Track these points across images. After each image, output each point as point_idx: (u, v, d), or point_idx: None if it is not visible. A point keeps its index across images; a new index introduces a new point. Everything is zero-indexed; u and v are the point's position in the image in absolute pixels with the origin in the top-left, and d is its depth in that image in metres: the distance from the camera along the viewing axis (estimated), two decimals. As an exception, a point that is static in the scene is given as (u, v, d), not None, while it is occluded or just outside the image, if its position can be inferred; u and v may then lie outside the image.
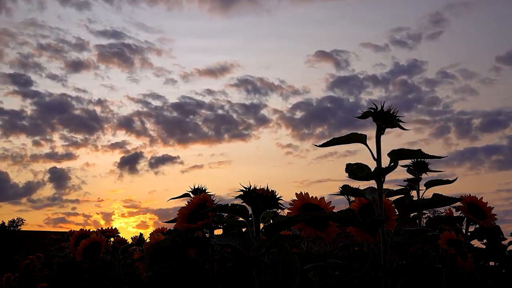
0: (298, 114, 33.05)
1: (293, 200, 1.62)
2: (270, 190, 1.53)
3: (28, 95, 32.99)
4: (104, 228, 3.17)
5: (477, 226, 1.87)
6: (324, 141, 1.50)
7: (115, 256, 3.07)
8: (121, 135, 38.50)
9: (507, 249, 2.21)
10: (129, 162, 32.18)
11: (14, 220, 27.91)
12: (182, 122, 33.28)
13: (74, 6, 34.50)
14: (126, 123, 33.59)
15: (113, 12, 37.48)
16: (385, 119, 1.42)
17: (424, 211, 2.19)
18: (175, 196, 2.12)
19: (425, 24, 35.71)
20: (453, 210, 1.90)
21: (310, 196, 1.62)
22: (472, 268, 1.66)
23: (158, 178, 31.88)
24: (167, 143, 34.31)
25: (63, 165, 36.17)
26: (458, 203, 1.82)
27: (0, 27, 35.27)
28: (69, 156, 33.41)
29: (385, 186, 1.49)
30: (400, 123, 1.44)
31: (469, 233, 1.90)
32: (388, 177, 1.48)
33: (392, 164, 1.45)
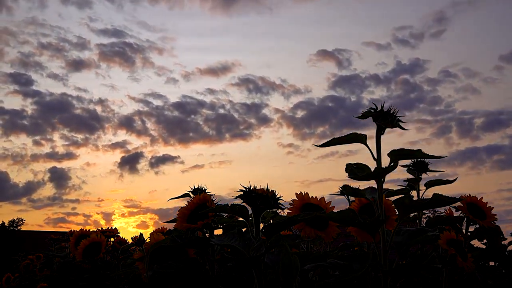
0: (300, 114, 33.06)
1: (293, 200, 1.62)
2: (270, 190, 1.53)
3: (28, 95, 33.00)
4: (104, 228, 3.17)
5: (477, 226, 1.87)
6: (325, 140, 1.50)
7: (115, 256, 3.07)
8: (122, 135, 38.61)
9: (507, 249, 2.21)
10: (130, 162, 32.22)
11: (14, 220, 27.96)
12: (183, 121, 33.28)
13: (75, 5, 34.47)
14: (127, 123, 33.63)
15: (114, 11, 37.50)
16: (385, 119, 1.42)
17: (424, 211, 2.19)
18: (175, 196, 2.12)
19: (428, 23, 35.51)
20: (453, 210, 1.90)
21: (310, 196, 1.62)
22: (472, 268, 1.66)
23: (159, 178, 31.92)
24: (168, 142, 34.33)
25: (64, 164, 36.25)
26: (458, 203, 1.82)
27: (1, 25, 35.25)
28: (69, 156, 33.45)
29: (385, 186, 1.49)
30: (400, 123, 1.44)
31: (469, 233, 1.90)
32: (388, 177, 1.48)
33: (392, 164, 1.45)
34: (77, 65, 33.37)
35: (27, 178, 35.44)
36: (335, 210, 1.56)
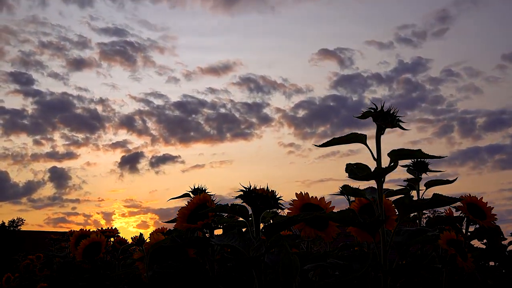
0: (301, 113, 33.02)
1: (293, 200, 1.62)
2: (270, 190, 1.53)
3: (29, 94, 33.04)
4: (104, 228, 3.17)
5: (477, 226, 1.87)
6: (326, 140, 1.50)
7: (115, 256, 3.07)
8: (123, 134, 38.59)
9: (507, 249, 2.21)
10: (130, 162, 32.22)
11: (14, 220, 27.96)
12: (184, 121, 33.26)
13: (76, 3, 34.53)
14: (128, 122, 33.62)
15: (115, 9, 37.44)
16: (385, 119, 1.42)
17: (424, 211, 2.19)
18: (175, 196, 2.12)
19: (431, 21, 35.51)
20: (453, 210, 1.90)
21: (310, 196, 1.62)
22: (472, 268, 1.66)
23: (159, 178, 31.91)
24: (169, 142, 34.33)
25: (64, 164, 36.28)
26: (458, 203, 1.82)
27: (1, 24, 35.16)
28: (70, 156, 33.47)
29: (385, 186, 1.49)
30: (400, 123, 1.44)
31: (469, 233, 1.90)
32: (388, 177, 1.48)
33: (392, 164, 1.45)
34: (78, 64, 33.45)
35: (27, 178, 35.48)
36: (335, 210, 1.56)
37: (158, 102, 35.28)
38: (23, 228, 27.97)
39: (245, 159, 35.11)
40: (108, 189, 35.00)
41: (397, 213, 1.56)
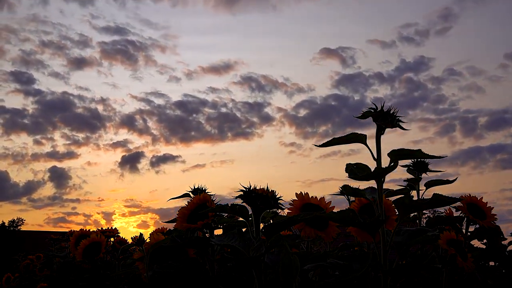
0: (302, 112, 32.88)
1: (293, 200, 1.62)
2: (270, 190, 1.53)
3: (29, 93, 32.91)
4: (104, 228, 3.17)
5: (477, 226, 1.87)
6: (327, 140, 1.50)
7: (115, 256, 3.07)
8: (123, 134, 38.47)
9: (507, 249, 2.21)
10: (131, 161, 32.19)
11: (14, 220, 27.96)
12: (184, 120, 33.20)
13: (77, 1, 34.41)
14: (128, 122, 33.59)
15: (116, 8, 37.25)
16: (385, 119, 1.42)
17: (424, 211, 2.19)
18: (175, 196, 2.13)
19: (434, 20, 35.21)
20: (453, 210, 1.90)
21: (310, 196, 1.62)
22: (472, 268, 1.66)
23: (159, 178, 31.90)
24: (169, 141, 34.28)
25: (65, 164, 36.26)
26: (458, 203, 1.82)
27: (2, 23, 35.12)
28: (70, 155, 33.43)
29: (385, 186, 1.49)
30: (400, 123, 1.44)
31: (469, 233, 1.90)
32: (388, 177, 1.48)
33: (392, 164, 1.45)
34: (79, 63, 33.38)
35: (27, 178, 35.49)
36: (335, 210, 1.56)
37: (159, 101, 35.24)
38: (23, 228, 28.02)
39: (246, 158, 35.08)
40: (108, 189, 34.99)
41: (397, 213, 1.56)
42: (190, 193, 2.09)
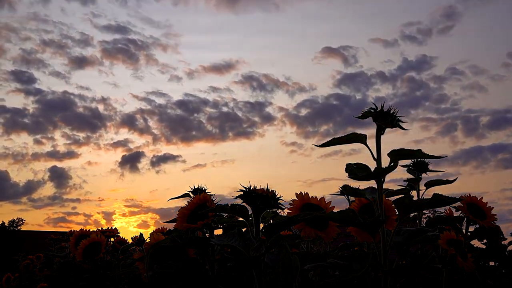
0: (304, 112, 32.75)
1: (293, 200, 1.62)
2: (270, 190, 1.53)
3: (30, 93, 32.84)
4: (104, 228, 3.17)
5: (477, 226, 1.87)
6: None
7: (115, 256, 3.07)
8: (124, 133, 38.43)
9: (507, 249, 2.21)
10: (131, 161, 32.15)
11: (14, 220, 27.96)
12: (185, 120, 33.09)
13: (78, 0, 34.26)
14: (129, 121, 33.53)
15: (118, 6, 37.15)
16: (385, 119, 1.42)
17: (424, 211, 2.19)
18: (175, 196, 2.13)
19: (437, 18, 34.94)
20: (453, 210, 1.90)
21: (310, 196, 1.62)
22: (472, 268, 1.66)
23: (160, 177, 31.89)
24: (170, 141, 34.21)
25: (65, 163, 36.24)
26: (458, 203, 1.82)
27: (2, 21, 34.94)
28: (70, 155, 33.43)
29: (385, 186, 1.49)
30: (401, 123, 1.44)
31: (469, 233, 1.90)
32: (388, 177, 1.48)
33: (392, 164, 1.45)
34: (80, 62, 33.27)
35: (28, 178, 35.49)
36: (335, 210, 1.56)
37: (160, 100, 35.09)
38: (23, 228, 28.02)
39: (247, 158, 35.00)
40: (108, 188, 34.94)
41: (397, 213, 1.56)
42: (190, 193, 2.09)
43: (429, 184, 2.17)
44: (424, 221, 2.06)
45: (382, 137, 1.46)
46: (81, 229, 2.94)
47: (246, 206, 1.55)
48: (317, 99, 32.56)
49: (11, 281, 5.17)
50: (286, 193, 1.57)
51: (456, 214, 1.88)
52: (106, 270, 3.00)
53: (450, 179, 2.10)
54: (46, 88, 33.30)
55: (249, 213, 1.55)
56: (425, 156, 1.47)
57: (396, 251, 1.49)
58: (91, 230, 2.97)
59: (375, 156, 1.44)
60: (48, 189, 34.54)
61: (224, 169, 32.07)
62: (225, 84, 37.90)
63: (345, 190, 1.66)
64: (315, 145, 1.54)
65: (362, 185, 1.60)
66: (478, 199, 1.86)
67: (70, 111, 32.50)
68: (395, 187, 2.09)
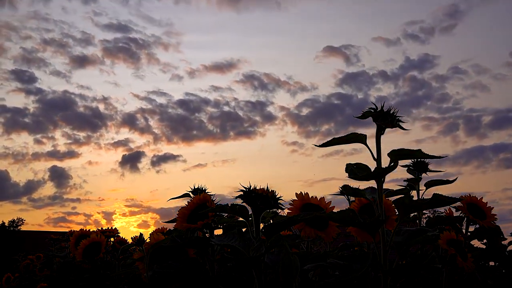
0: (305, 111, 32.54)
1: (293, 200, 1.62)
2: (270, 190, 1.53)
3: (31, 92, 32.77)
4: (104, 228, 3.17)
5: (477, 226, 1.87)
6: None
7: (115, 256, 3.07)
8: (124, 133, 38.37)
9: (507, 249, 2.21)
10: (131, 161, 32.08)
11: (14, 220, 27.96)
12: (186, 119, 32.96)
13: (79, -2, 34.13)
14: (130, 121, 33.44)
15: (119, 5, 37.11)
16: (385, 119, 1.42)
17: (424, 211, 2.19)
18: (175, 196, 2.13)
19: (439, 17, 34.75)
20: (453, 210, 1.90)
21: (310, 196, 1.62)
22: (472, 268, 1.66)
23: (160, 177, 31.84)
24: (171, 141, 34.12)
25: (65, 163, 36.21)
26: (458, 203, 1.82)
27: (3, 20, 34.86)
28: (71, 154, 33.39)
29: (385, 186, 1.49)
30: (401, 123, 1.44)
31: (469, 233, 1.90)
32: (388, 177, 1.48)
33: (392, 164, 1.45)
34: (81, 62, 33.14)
35: (28, 177, 35.42)
36: (335, 210, 1.56)
37: (160, 100, 34.97)
38: (23, 228, 28.01)
39: (248, 158, 34.88)
40: (109, 188, 34.90)
41: (397, 213, 1.56)
42: (190, 193, 2.09)
43: (429, 184, 2.17)
44: (424, 221, 2.06)
45: (383, 137, 1.46)
46: (81, 229, 2.95)
47: (246, 206, 1.55)
48: (318, 99, 32.47)
49: (11, 281, 5.17)
50: (287, 193, 1.57)
51: (456, 214, 1.88)
52: (106, 270, 3.00)
53: (450, 179, 2.10)
54: (47, 87, 33.23)
55: (249, 213, 1.55)
56: (425, 156, 1.47)
57: (396, 251, 1.49)
58: (91, 230, 2.97)
59: (375, 156, 1.45)
60: (48, 189, 34.58)
61: (224, 168, 32.03)
62: (226, 83, 37.90)
63: (345, 190, 1.66)
64: (315, 145, 1.54)
65: (362, 185, 1.61)
66: (478, 199, 1.86)
67: (71, 111, 32.47)
68: (395, 187, 2.09)
